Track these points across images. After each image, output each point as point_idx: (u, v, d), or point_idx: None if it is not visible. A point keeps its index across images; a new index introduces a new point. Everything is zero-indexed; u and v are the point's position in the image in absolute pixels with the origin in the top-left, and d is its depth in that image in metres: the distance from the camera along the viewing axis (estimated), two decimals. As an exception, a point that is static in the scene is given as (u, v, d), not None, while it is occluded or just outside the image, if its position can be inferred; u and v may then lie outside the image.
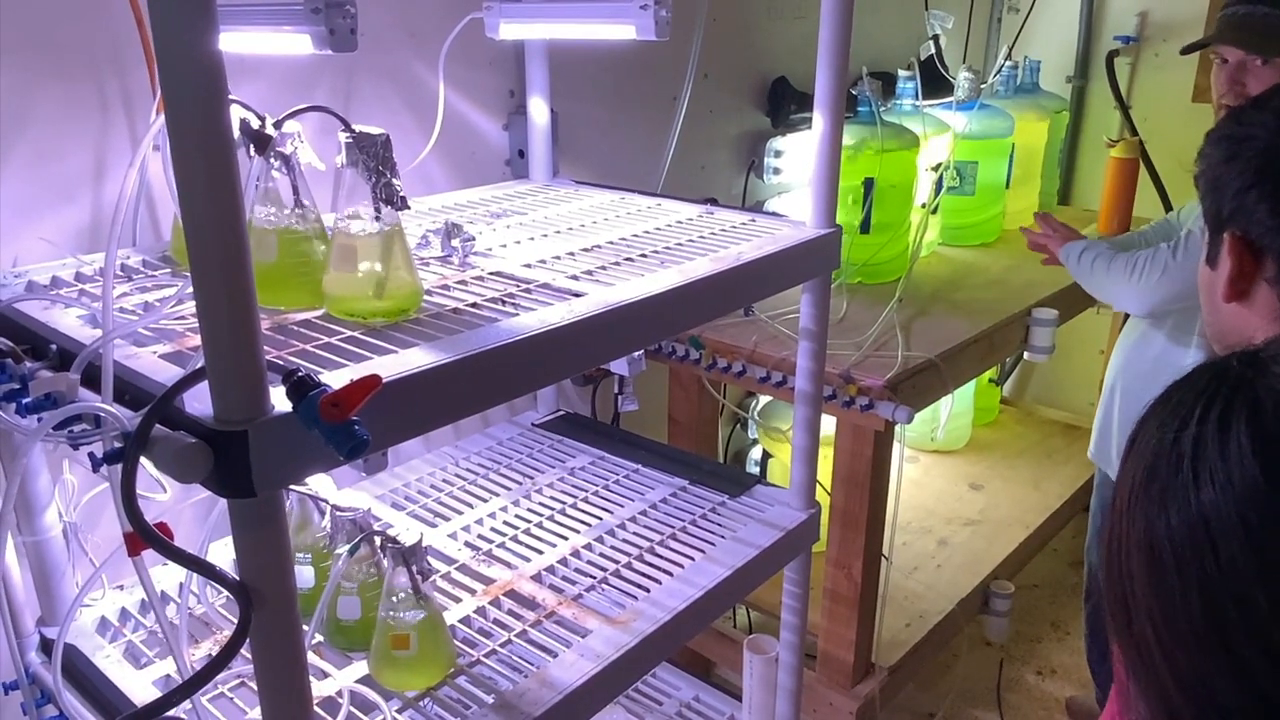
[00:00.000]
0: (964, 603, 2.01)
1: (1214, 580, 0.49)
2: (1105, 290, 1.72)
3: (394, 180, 0.93)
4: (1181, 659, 0.51)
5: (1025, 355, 1.99)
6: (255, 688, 0.78)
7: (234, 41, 0.96)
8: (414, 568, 1.04)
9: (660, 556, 1.31)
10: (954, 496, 2.44)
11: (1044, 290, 1.99)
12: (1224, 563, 0.48)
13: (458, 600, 1.21)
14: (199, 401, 0.70)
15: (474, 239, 1.17)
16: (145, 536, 0.69)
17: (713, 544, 1.34)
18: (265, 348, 0.69)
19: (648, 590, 1.23)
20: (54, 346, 0.88)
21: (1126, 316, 1.83)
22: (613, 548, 1.34)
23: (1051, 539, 2.44)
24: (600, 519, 1.40)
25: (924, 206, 2.02)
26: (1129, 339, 1.77)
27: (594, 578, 1.26)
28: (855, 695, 1.76)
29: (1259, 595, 0.48)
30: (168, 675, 1.08)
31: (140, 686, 1.05)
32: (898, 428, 1.58)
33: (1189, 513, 0.50)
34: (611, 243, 1.24)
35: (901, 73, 2.16)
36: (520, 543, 1.35)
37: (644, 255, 1.19)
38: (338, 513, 1.11)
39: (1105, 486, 1.84)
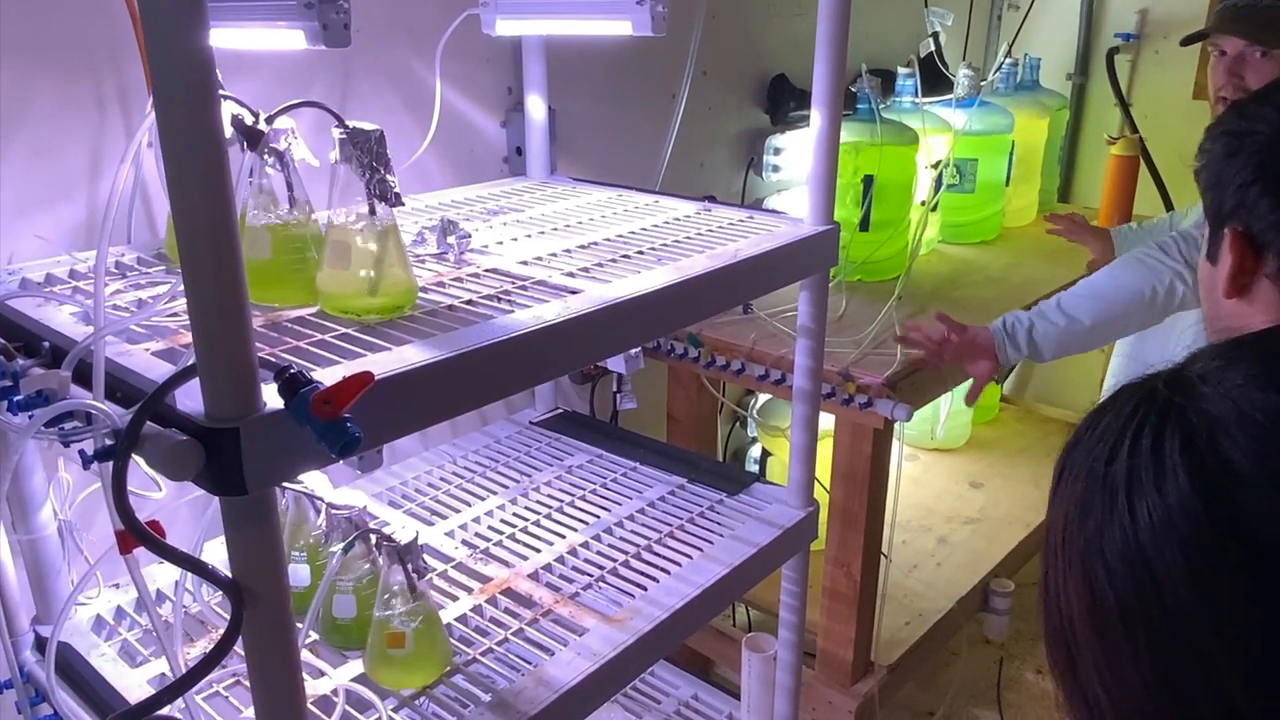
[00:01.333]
0: (964, 601, 2.01)
1: (1161, 628, 0.45)
2: (1146, 285, 1.43)
3: (388, 176, 0.92)
4: (1128, 706, 0.47)
5: (1025, 353, 1.98)
6: (249, 686, 0.78)
7: (228, 38, 0.96)
8: (410, 566, 1.03)
9: (658, 554, 1.30)
10: (954, 495, 2.43)
11: (1043, 288, 1.98)
12: (1170, 607, 0.44)
13: (454, 598, 1.21)
14: (191, 399, 0.70)
15: (470, 236, 1.17)
16: (137, 534, 0.69)
17: (711, 542, 1.33)
18: (258, 345, 0.69)
19: (645, 588, 1.23)
20: (46, 344, 0.88)
21: None
22: (610, 546, 1.33)
23: (1052, 537, 2.43)
24: (598, 517, 1.40)
25: (923, 204, 2.02)
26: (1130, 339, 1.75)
27: (591, 576, 1.26)
28: (854, 693, 1.76)
29: (1211, 644, 0.44)
30: (162, 674, 1.08)
31: (135, 685, 1.05)
32: (897, 425, 1.57)
33: (1130, 552, 0.46)
34: (609, 240, 1.24)
35: (901, 70, 2.15)
36: (517, 541, 1.34)
37: (641, 252, 1.18)
38: (333, 511, 1.10)
39: None
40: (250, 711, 0.96)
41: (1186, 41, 1.68)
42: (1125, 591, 0.46)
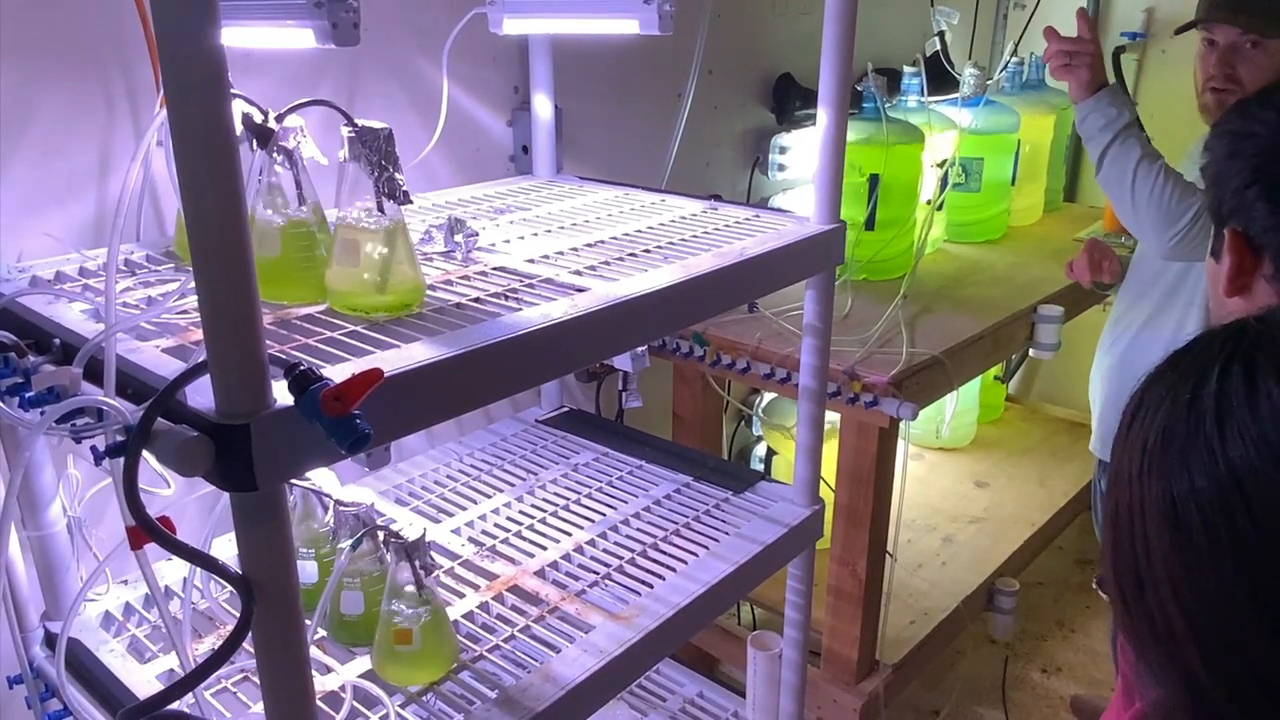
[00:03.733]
0: (969, 600, 2.01)
1: (1248, 539, 0.48)
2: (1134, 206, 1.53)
3: (397, 175, 0.93)
4: (1210, 629, 0.50)
5: (1030, 352, 1.98)
6: (258, 682, 0.78)
7: (238, 36, 0.96)
8: (417, 563, 1.04)
9: (664, 552, 1.31)
10: (959, 494, 2.43)
11: (1049, 287, 1.98)
12: (1259, 519, 0.47)
13: (461, 595, 1.21)
14: (201, 395, 0.70)
15: (477, 234, 1.17)
16: (147, 530, 0.70)
17: (716, 540, 1.33)
18: (268, 342, 0.69)
19: (651, 586, 1.23)
20: (57, 341, 0.88)
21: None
22: (616, 544, 1.34)
23: (1057, 536, 2.43)
24: (604, 515, 1.40)
25: (929, 203, 2.02)
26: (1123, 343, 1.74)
27: (597, 573, 1.26)
28: (859, 692, 1.76)
29: None
30: (171, 669, 1.08)
31: (144, 680, 1.05)
32: (902, 424, 1.57)
33: (1216, 471, 0.48)
34: (615, 238, 1.24)
35: (907, 69, 2.15)
36: (524, 538, 1.35)
37: (647, 251, 1.18)
38: (341, 508, 1.11)
39: None
40: (259, 707, 0.97)
41: (1181, 30, 1.68)
42: (1210, 505, 0.49)
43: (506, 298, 1.00)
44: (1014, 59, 2.46)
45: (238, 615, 0.72)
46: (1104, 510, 0.57)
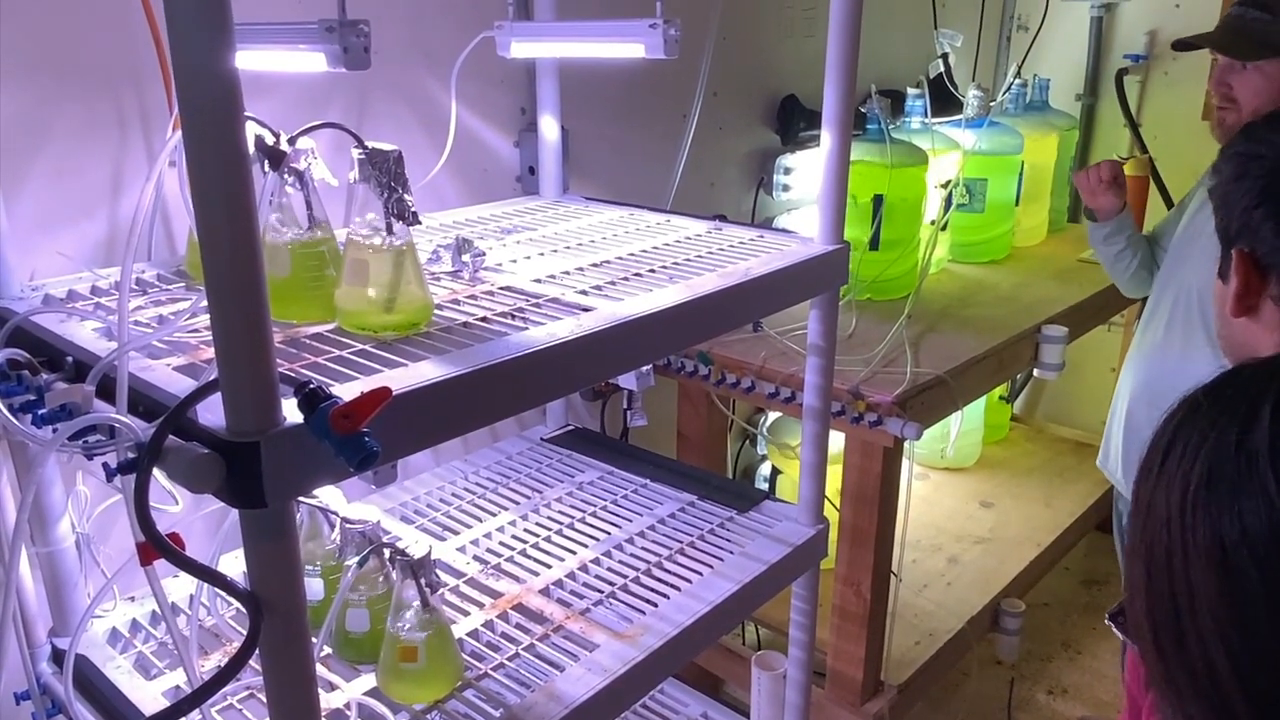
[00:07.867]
0: (974, 621, 2.00)
1: None
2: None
3: (405, 196, 0.94)
4: (1261, 680, 0.48)
5: (1035, 372, 1.98)
6: (264, 700, 0.78)
7: (250, 60, 0.98)
8: (422, 580, 1.04)
9: (668, 571, 1.31)
10: (964, 514, 2.43)
11: (1054, 307, 1.99)
12: None
13: (466, 613, 1.22)
14: (212, 413, 0.71)
15: (484, 254, 1.18)
16: (157, 545, 0.70)
17: (721, 559, 1.34)
18: (277, 360, 0.70)
19: (655, 605, 1.23)
20: (70, 358, 0.89)
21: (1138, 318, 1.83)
22: (621, 562, 1.34)
23: (1063, 557, 2.43)
24: (608, 533, 1.41)
25: (933, 223, 2.02)
26: (1146, 351, 1.74)
27: (602, 592, 1.26)
28: (864, 713, 1.75)
29: None
30: (177, 686, 1.08)
31: (150, 697, 1.06)
32: (907, 444, 1.57)
33: (1273, 514, 0.47)
34: (620, 258, 1.25)
35: (910, 90, 2.17)
36: (528, 557, 1.35)
37: (652, 270, 1.19)
38: (347, 525, 1.11)
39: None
40: (264, 724, 0.97)
41: (1177, 46, 1.69)
42: (1265, 549, 0.47)
43: (513, 317, 1.01)
44: (1017, 80, 2.47)
45: (244, 632, 0.73)
46: (1130, 548, 0.54)
